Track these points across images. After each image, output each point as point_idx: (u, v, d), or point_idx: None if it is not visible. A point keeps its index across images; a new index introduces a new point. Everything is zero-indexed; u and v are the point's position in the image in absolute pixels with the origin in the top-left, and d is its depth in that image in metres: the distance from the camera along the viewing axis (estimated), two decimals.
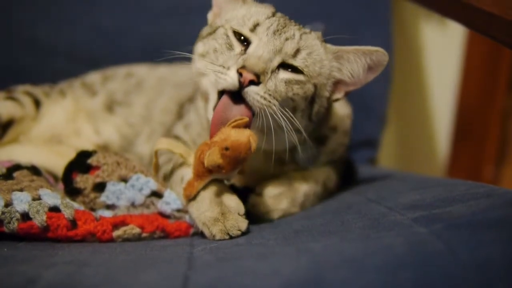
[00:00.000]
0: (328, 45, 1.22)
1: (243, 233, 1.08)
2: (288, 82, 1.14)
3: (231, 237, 1.07)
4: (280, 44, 1.14)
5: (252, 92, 1.08)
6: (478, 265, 0.77)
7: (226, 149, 1.03)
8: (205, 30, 1.26)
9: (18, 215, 1.05)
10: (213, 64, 1.14)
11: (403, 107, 2.32)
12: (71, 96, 1.63)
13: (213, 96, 1.14)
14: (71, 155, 1.26)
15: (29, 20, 1.88)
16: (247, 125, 1.08)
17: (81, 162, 1.21)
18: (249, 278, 0.80)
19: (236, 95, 1.09)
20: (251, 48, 1.14)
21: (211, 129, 1.10)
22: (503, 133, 2.31)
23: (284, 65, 1.15)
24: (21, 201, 1.08)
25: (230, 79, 1.09)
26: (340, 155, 1.41)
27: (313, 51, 1.18)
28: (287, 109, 1.13)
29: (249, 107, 1.10)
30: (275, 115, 1.10)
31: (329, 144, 1.35)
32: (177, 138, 1.39)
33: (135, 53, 1.86)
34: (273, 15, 1.21)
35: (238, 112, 1.09)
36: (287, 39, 1.15)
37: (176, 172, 1.22)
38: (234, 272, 0.83)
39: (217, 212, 1.09)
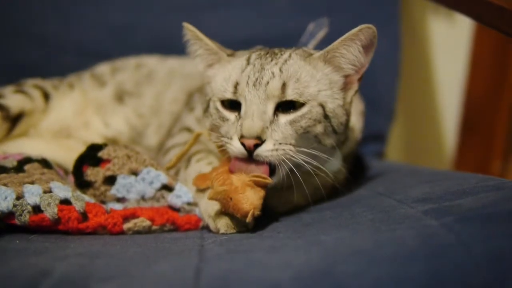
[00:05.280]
0: (315, 55, 1.17)
1: (248, 230, 1.09)
2: (292, 122, 1.12)
3: (236, 232, 1.08)
4: (264, 92, 1.10)
5: (262, 152, 1.08)
6: (490, 257, 0.77)
7: (231, 199, 1.05)
8: (201, 104, 1.24)
9: (29, 208, 1.06)
10: (219, 137, 1.15)
11: (411, 101, 2.32)
12: (79, 88, 1.63)
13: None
14: (80, 148, 1.27)
15: (39, 16, 1.89)
16: (265, 185, 1.08)
17: (92, 155, 1.22)
18: (260, 270, 0.80)
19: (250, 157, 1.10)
20: (242, 112, 1.12)
21: (230, 169, 1.11)
22: (511, 128, 2.30)
23: (280, 106, 1.12)
24: (32, 194, 1.08)
25: (236, 148, 1.10)
26: (351, 150, 1.41)
27: (300, 75, 1.13)
28: (307, 142, 1.13)
29: (266, 163, 1.10)
30: (295, 158, 1.10)
31: (347, 143, 1.35)
32: (188, 129, 1.39)
33: (143, 48, 1.86)
34: (248, 62, 1.16)
35: (257, 169, 1.09)
36: (268, 82, 1.10)
37: (193, 164, 1.23)
38: (245, 264, 0.84)
39: None
